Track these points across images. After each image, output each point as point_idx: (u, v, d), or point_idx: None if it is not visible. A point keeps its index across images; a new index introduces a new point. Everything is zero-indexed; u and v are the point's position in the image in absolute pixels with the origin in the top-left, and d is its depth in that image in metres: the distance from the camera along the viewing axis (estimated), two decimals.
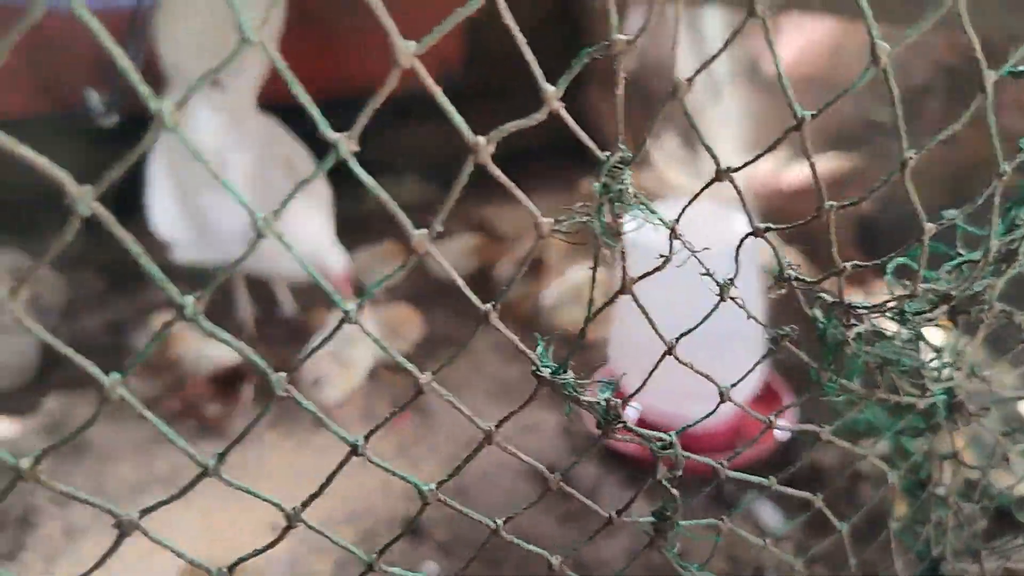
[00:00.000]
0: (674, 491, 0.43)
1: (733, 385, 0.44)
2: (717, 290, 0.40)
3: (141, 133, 0.30)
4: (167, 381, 1.50)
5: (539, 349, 0.37)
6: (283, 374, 0.36)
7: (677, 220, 0.36)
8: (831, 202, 0.36)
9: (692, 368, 0.41)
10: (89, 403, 1.54)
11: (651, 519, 0.46)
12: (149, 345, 0.33)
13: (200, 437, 1.47)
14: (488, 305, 0.34)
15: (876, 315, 0.41)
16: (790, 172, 1.55)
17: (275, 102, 1.59)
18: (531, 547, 0.48)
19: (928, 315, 0.42)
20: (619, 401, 0.39)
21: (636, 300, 0.37)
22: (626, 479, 1.35)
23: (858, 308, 0.40)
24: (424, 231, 0.33)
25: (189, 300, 0.31)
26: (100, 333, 1.75)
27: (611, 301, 0.37)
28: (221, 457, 0.36)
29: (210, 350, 1.49)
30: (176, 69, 1.53)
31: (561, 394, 0.37)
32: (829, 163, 1.34)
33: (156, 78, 1.54)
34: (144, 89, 0.27)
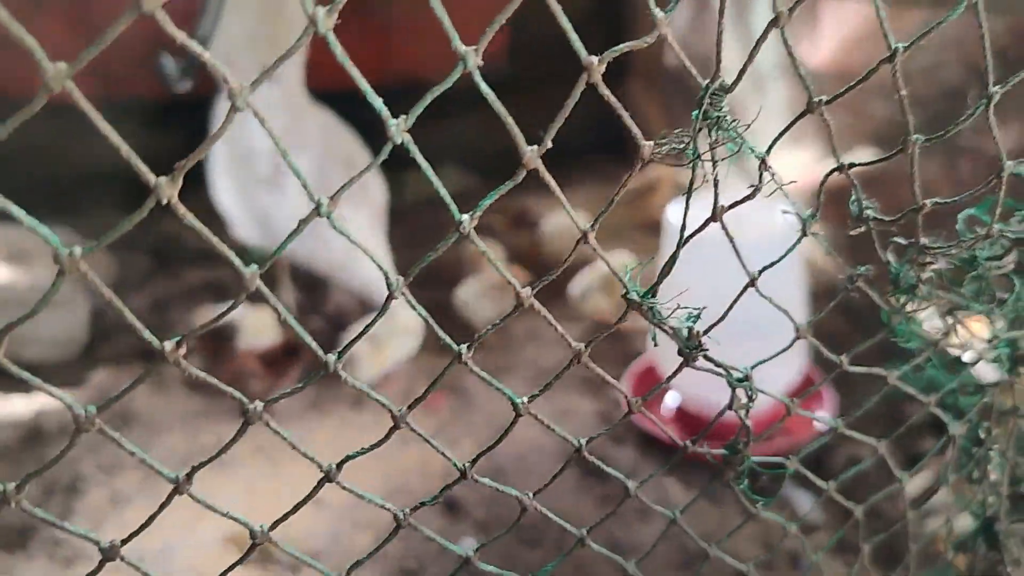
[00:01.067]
0: (747, 423, 0.45)
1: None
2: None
3: (188, 117, 0.31)
4: (215, 353, 1.53)
5: (627, 275, 0.39)
6: (333, 355, 0.38)
7: (768, 151, 0.38)
8: (916, 135, 0.38)
9: (772, 302, 0.42)
10: (136, 376, 1.58)
11: (724, 451, 0.48)
12: (222, 315, 0.35)
13: (239, 416, 1.50)
14: (527, 290, 0.37)
15: (948, 256, 0.42)
16: (825, 167, 1.56)
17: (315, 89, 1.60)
18: (560, 521, 0.49)
19: (999, 262, 0.43)
20: (700, 331, 0.41)
21: (724, 228, 0.39)
22: (663, 464, 1.36)
23: (932, 248, 0.42)
24: (467, 216, 0.35)
25: (253, 268, 0.33)
26: (146, 312, 1.79)
27: (702, 228, 0.39)
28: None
29: (257, 327, 1.53)
30: (229, 64, 1.56)
31: (648, 318, 0.39)
32: (862, 157, 1.34)
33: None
34: (216, 65, 0.29)
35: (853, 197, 0.41)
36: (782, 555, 1.21)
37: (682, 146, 0.35)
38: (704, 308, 0.41)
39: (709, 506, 1.29)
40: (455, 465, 0.44)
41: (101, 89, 1.86)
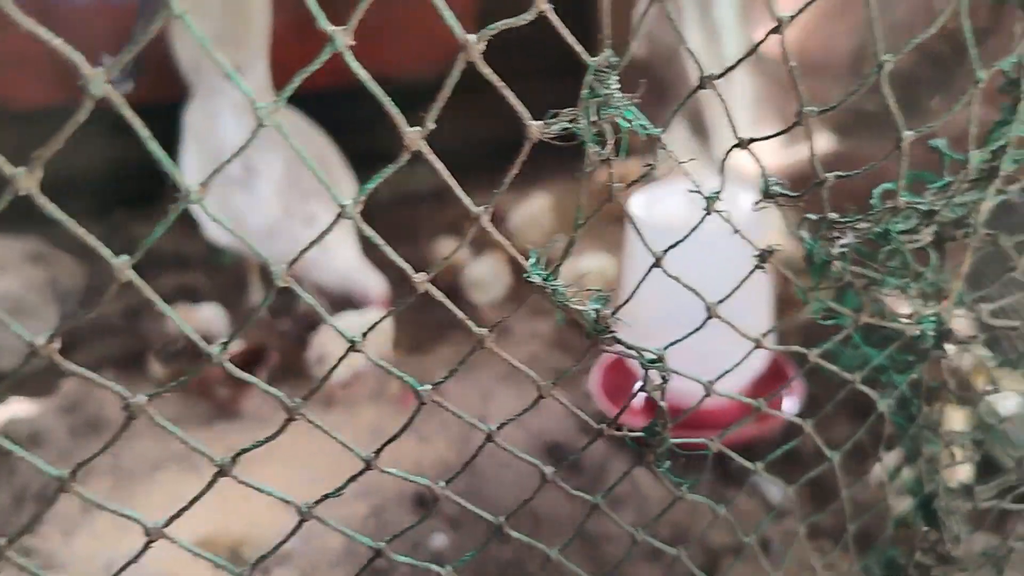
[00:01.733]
0: (663, 404, 0.45)
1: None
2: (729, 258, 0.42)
3: (155, 123, 0.32)
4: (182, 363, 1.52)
5: (531, 259, 0.39)
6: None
7: (663, 131, 0.38)
8: (811, 107, 0.37)
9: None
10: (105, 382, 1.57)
11: (642, 434, 0.47)
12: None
13: (215, 418, 1.49)
14: (421, 275, 0.36)
15: (860, 232, 0.42)
16: (789, 152, 1.56)
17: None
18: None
19: (913, 236, 0.43)
20: (609, 312, 0.40)
21: (631, 219, 0.38)
22: (634, 457, 1.36)
23: (840, 222, 0.42)
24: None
25: (124, 258, 0.32)
26: (118, 318, 1.78)
27: (599, 210, 0.39)
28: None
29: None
30: (196, 70, 1.57)
31: (551, 301, 0.39)
32: (823, 144, 1.34)
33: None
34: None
35: (763, 174, 0.40)
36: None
37: (572, 126, 0.34)
38: (609, 291, 0.40)
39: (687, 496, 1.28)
40: (358, 455, 0.44)
41: (68, 94, 1.85)
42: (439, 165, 0.34)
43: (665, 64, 1.80)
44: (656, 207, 1.25)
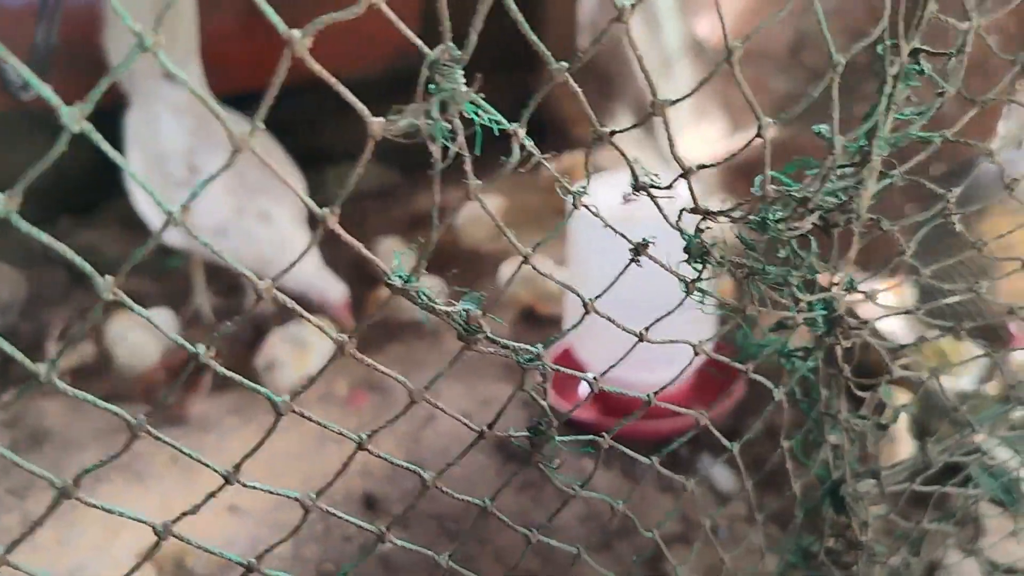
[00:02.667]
0: (544, 403, 0.44)
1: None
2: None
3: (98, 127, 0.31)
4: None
5: (395, 260, 0.37)
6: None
7: (521, 123, 0.37)
8: (664, 98, 0.37)
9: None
10: (48, 396, 1.54)
11: (526, 434, 0.47)
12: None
13: (160, 425, 1.47)
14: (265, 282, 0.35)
15: (735, 220, 0.41)
16: (732, 142, 1.57)
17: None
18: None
19: (794, 224, 0.43)
20: (479, 313, 0.40)
21: (483, 205, 0.37)
22: (583, 447, 1.36)
23: (713, 213, 0.41)
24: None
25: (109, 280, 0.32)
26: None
27: (446, 219, 0.38)
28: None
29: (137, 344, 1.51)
30: (131, 77, 1.56)
31: (415, 303, 0.38)
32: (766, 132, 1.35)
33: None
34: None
35: (631, 164, 0.40)
36: (700, 527, 1.22)
37: (417, 122, 0.33)
38: (480, 293, 0.39)
39: (629, 485, 1.29)
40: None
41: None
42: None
43: (609, 56, 1.80)
44: (596, 199, 1.25)
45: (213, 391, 1.49)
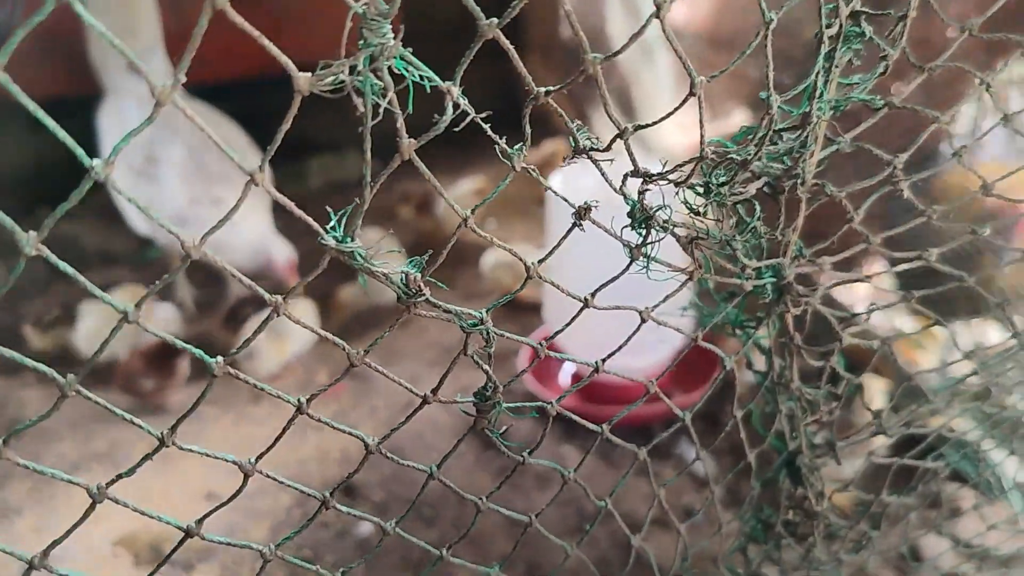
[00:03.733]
0: (487, 368, 0.44)
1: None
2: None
3: (68, 118, 0.31)
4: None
5: (332, 221, 0.37)
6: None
7: (454, 82, 0.36)
8: (596, 54, 0.36)
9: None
10: (27, 385, 1.53)
11: (473, 399, 0.47)
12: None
13: (139, 413, 1.46)
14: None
15: (674, 183, 0.41)
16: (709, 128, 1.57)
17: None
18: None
19: (739, 189, 0.43)
20: (418, 275, 0.39)
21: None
22: (562, 433, 1.36)
23: (652, 176, 0.41)
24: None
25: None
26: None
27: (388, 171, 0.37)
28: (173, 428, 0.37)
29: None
30: (103, 68, 1.59)
31: (349, 263, 0.38)
32: (739, 119, 1.35)
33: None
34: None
35: (576, 128, 0.40)
36: (677, 510, 1.22)
37: (348, 77, 0.33)
38: (423, 255, 0.39)
39: (605, 468, 1.29)
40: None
41: None
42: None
43: (592, 43, 1.79)
44: (574, 184, 1.25)
45: (192, 380, 1.48)
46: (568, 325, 0.47)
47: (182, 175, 1.49)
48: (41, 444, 1.40)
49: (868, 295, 1.19)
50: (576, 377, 1.42)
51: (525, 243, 1.81)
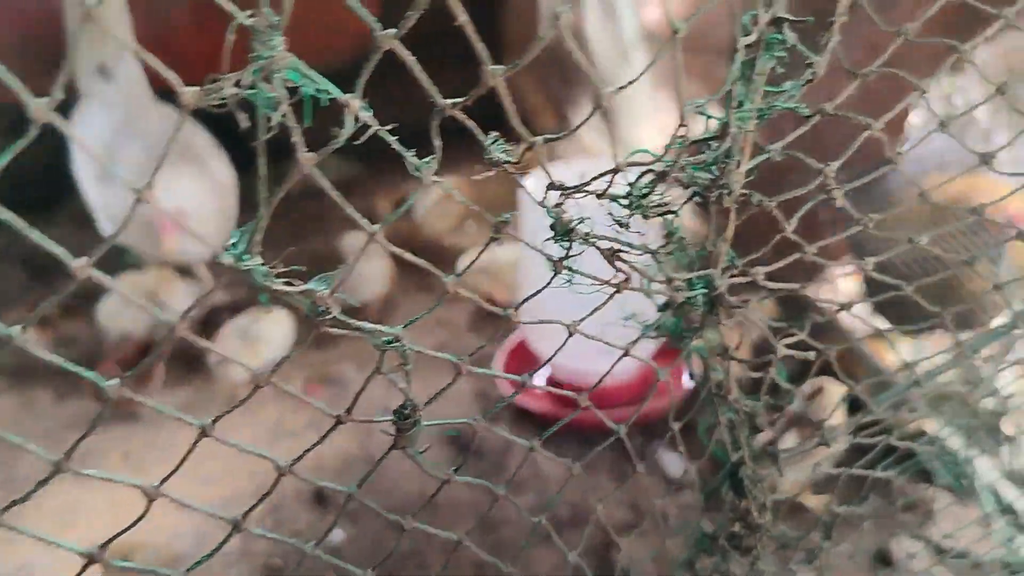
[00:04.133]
0: (404, 386, 0.43)
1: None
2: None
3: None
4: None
5: (233, 236, 0.36)
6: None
7: (358, 94, 0.35)
8: (498, 66, 0.36)
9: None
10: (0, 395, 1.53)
11: (391, 419, 0.46)
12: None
13: (111, 421, 1.45)
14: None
15: (589, 196, 0.40)
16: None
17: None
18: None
19: (663, 200, 0.42)
20: (326, 293, 0.38)
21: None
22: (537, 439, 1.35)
23: (569, 189, 0.40)
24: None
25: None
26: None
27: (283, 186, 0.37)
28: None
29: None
30: (77, 74, 1.59)
31: (252, 282, 0.37)
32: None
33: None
34: None
35: (490, 140, 0.39)
36: (651, 513, 1.21)
37: (240, 91, 0.32)
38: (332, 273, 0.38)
39: (583, 474, 1.28)
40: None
41: None
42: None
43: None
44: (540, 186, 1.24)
45: (166, 386, 1.48)
46: (480, 348, 0.46)
47: (141, 173, 1.49)
48: (16, 452, 1.39)
49: (854, 296, 1.19)
50: (550, 380, 1.41)
51: (502, 247, 1.80)
